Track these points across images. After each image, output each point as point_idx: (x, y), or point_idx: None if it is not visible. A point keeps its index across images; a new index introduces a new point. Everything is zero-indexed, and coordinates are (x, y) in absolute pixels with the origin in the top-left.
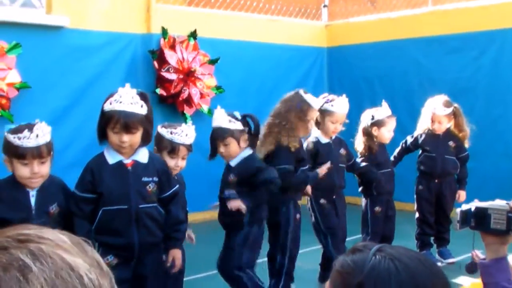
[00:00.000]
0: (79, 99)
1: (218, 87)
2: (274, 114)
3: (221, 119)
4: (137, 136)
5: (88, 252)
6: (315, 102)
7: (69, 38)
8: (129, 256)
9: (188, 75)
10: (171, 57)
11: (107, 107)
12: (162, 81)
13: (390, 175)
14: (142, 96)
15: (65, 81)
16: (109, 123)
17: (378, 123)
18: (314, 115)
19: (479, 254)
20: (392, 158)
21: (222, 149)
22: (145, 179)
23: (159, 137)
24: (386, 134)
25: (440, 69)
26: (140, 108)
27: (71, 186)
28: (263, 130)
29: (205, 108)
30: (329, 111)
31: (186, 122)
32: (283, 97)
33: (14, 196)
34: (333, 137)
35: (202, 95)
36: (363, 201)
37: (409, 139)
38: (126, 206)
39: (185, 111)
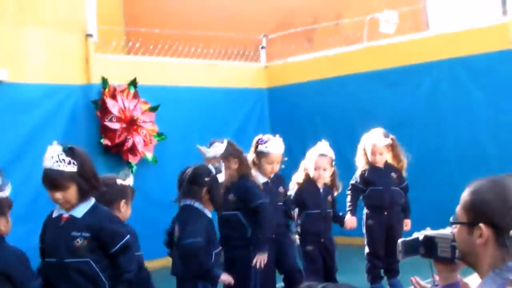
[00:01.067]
0: (21, 154)
1: (160, 134)
2: None
3: None
4: (70, 193)
5: None
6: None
7: (8, 92)
8: None
9: (131, 124)
10: (113, 107)
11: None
12: (106, 131)
13: (319, 216)
14: (71, 152)
15: (5, 136)
16: None
17: (307, 162)
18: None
19: (420, 282)
20: (348, 208)
21: None
22: (74, 233)
23: (124, 189)
24: (312, 172)
25: (379, 103)
26: (67, 165)
27: (15, 243)
28: None
29: (149, 156)
30: (264, 153)
31: (132, 171)
32: None
33: None
34: (272, 175)
35: (145, 143)
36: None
37: (354, 183)
38: (55, 259)
39: (130, 160)
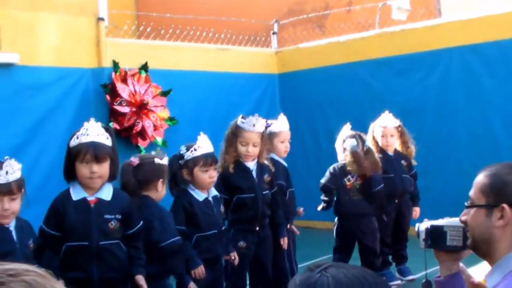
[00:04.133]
0: (32, 136)
1: (171, 119)
2: None
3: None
4: (106, 167)
5: (58, 282)
6: (247, 124)
7: (20, 75)
8: None
9: (141, 108)
10: (123, 91)
11: (74, 142)
12: (115, 115)
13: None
14: (107, 130)
15: (17, 119)
16: (78, 156)
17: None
18: (246, 136)
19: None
20: None
21: None
22: (107, 216)
23: (162, 168)
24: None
25: (390, 90)
26: (106, 139)
27: None
28: None
29: (159, 140)
30: (275, 132)
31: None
32: None
33: None
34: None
35: (155, 127)
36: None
37: None
38: (87, 242)
39: (139, 144)
